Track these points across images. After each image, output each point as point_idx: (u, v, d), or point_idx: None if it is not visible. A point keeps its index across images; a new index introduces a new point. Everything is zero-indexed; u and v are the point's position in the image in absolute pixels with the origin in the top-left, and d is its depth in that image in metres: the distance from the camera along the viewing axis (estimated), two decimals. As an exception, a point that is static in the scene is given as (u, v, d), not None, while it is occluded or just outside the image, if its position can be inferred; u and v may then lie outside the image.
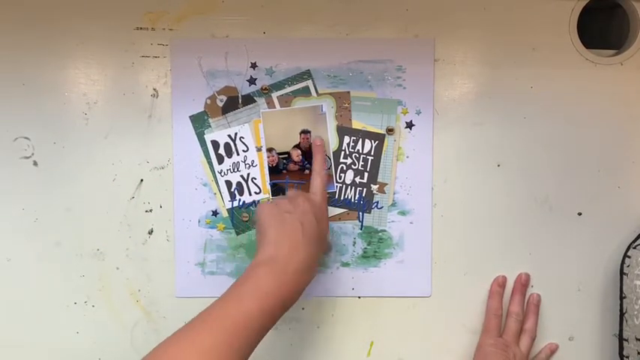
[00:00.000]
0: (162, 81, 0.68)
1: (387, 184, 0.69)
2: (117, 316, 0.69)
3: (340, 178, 0.69)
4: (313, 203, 0.61)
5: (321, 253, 0.61)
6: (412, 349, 0.70)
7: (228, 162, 0.68)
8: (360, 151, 0.69)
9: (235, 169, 0.69)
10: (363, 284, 0.69)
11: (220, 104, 0.68)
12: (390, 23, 0.68)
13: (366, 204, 0.69)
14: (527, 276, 0.69)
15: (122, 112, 0.68)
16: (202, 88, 0.68)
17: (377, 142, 0.68)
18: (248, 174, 0.69)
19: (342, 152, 0.69)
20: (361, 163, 0.69)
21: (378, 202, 0.69)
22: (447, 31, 0.68)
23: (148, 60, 0.68)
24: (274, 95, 0.68)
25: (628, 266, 0.65)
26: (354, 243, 0.69)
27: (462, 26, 0.68)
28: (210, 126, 0.68)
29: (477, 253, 0.69)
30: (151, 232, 0.69)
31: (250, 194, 0.69)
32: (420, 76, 0.68)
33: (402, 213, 0.69)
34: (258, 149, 0.68)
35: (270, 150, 0.68)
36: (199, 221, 0.69)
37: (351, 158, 0.69)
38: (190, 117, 0.68)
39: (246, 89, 0.68)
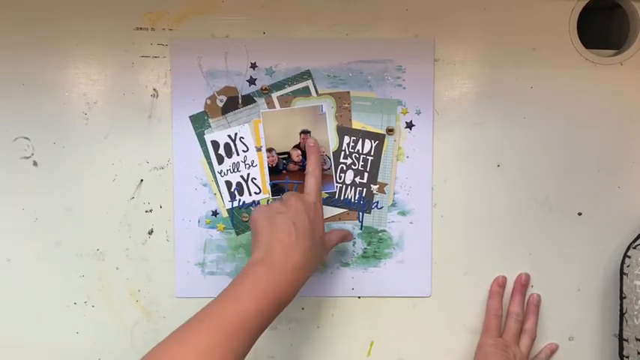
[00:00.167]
0: (162, 81, 0.68)
1: (387, 184, 0.69)
2: (117, 316, 0.69)
3: (340, 178, 0.69)
4: (306, 203, 0.61)
5: (318, 252, 0.61)
6: (412, 349, 0.70)
7: (228, 162, 0.68)
8: (360, 151, 0.69)
9: (235, 170, 0.69)
10: (363, 284, 0.69)
11: (220, 104, 0.68)
12: (390, 23, 0.68)
13: (366, 204, 0.69)
14: (527, 276, 0.69)
15: (122, 112, 0.68)
16: (202, 88, 0.68)
17: (377, 142, 0.68)
18: (248, 174, 0.69)
19: (342, 152, 0.69)
20: (361, 163, 0.69)
21: (378, 202, 0.69)
22: (447, 31, 0.68)
23: (147, 60, 0.68)
24: (274, 95, 0.68)
25: (628, 266, 0.65)
26: (354, 243, 0.69)
27: (462, 26, 0.68)
28: (210, 126, 0.68)
29: (477, 253, 0.69)
30: (151, 232, 0.69)
31: (250, 194, 0.69)
32: (420, 76, 0.68)
33: (402, 213, 0.69)
34: (258, 149, 0.68)
35: (270, 150, 0.68)
36: (199, 221, 0.69)
37: (351, 158, 0.69)
38: (190, 117, 0.68)
39: (246, 89, 0.68)
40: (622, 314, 0.66)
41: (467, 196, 0.69)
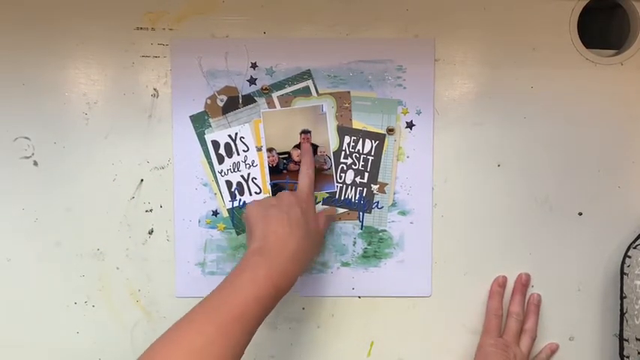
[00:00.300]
0: (163, 81, 0.68)
1: (387, 184, 0.69)
2: (117, 316, 0.69)
3: (340, 178, 0.69)
4: (299, 197, 0.62)
5: (313, 241, 0.62)
6: (412, 349, 0.70)
7: (228, 162, 0.68)
8: (361, 151, 0.69)
9: (235, 169, 0.69)
10: (363, 284, 0.69)
11: (220, 104, 0.68)
12: (390, 23, 0.68)
13: (366, 204, 0.69)
14: (528, 276, 0.69)
15: (122, 112, 0.68)
16: (202, 88, 0.68)
17: (377, 142, 0.68)
18: (248, 174, 0.69)
19: (343, 152, 0.69)
20: (361, 163, 0.69)
21: (378, 202, 0.69)
22: (447, 31, 0.68)
23: (148, 60, 0.68)
24: (274, 95, 0.68)
25: (628, 266, 0.65)
26: (355, 243, 0.69)
27: (462, 26, 0.68)
28: (210, 126, 0.68)
29: (477, 253, 0.69)
30: (151, 232, 0.69)
31: (251, 194, 0.69)
32: (420, 76, 0.68)
33: (403, 213, 0.69)
34: (259, 149, 0.68)
35: (270, 150, 0.68)
36: (199, 221, 0.69)
37: (352, 158, 0.69)
38: (190, 117, 0.68)
39: (246, 89, 0.68)
40: (622, 314, 0.66)
41: (467, 196, 0.69)
